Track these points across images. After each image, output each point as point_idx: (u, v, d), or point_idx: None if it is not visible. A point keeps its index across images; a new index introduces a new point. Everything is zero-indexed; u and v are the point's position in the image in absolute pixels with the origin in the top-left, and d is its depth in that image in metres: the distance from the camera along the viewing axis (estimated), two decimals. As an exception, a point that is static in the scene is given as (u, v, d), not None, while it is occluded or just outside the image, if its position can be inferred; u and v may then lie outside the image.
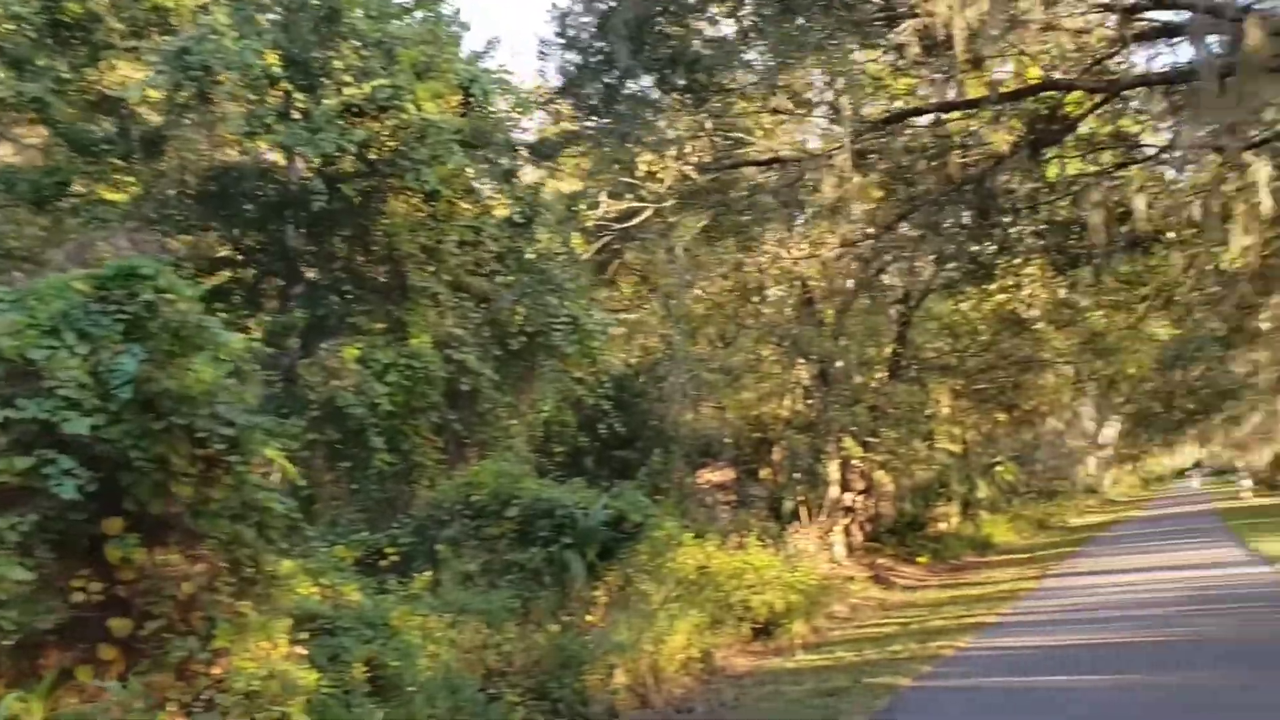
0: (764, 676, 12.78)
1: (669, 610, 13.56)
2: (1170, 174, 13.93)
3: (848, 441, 21.34)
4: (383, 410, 13.97)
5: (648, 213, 12.43)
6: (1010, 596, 18.40)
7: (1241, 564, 20.30)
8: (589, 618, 13.17)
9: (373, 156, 14.37)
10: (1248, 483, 55.57)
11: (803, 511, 21.85)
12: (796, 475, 22.47)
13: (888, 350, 25.58)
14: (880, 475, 23.98)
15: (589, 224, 12.86)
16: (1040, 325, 25.53)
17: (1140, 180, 11.99)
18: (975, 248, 13.96)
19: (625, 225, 12.77)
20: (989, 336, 26.39)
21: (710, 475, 21.88)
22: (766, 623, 15.57)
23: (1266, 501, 47.19)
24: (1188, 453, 66.75)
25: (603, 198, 13.10)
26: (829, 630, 16.41)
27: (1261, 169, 11.27)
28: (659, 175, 12.65)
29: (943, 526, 30.89)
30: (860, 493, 23.66)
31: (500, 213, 14.48)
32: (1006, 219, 12.94)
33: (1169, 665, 10.44)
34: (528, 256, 11.82)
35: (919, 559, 26.25)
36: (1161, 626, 13.07)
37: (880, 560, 24.97)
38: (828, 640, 15.37)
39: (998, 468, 34.57)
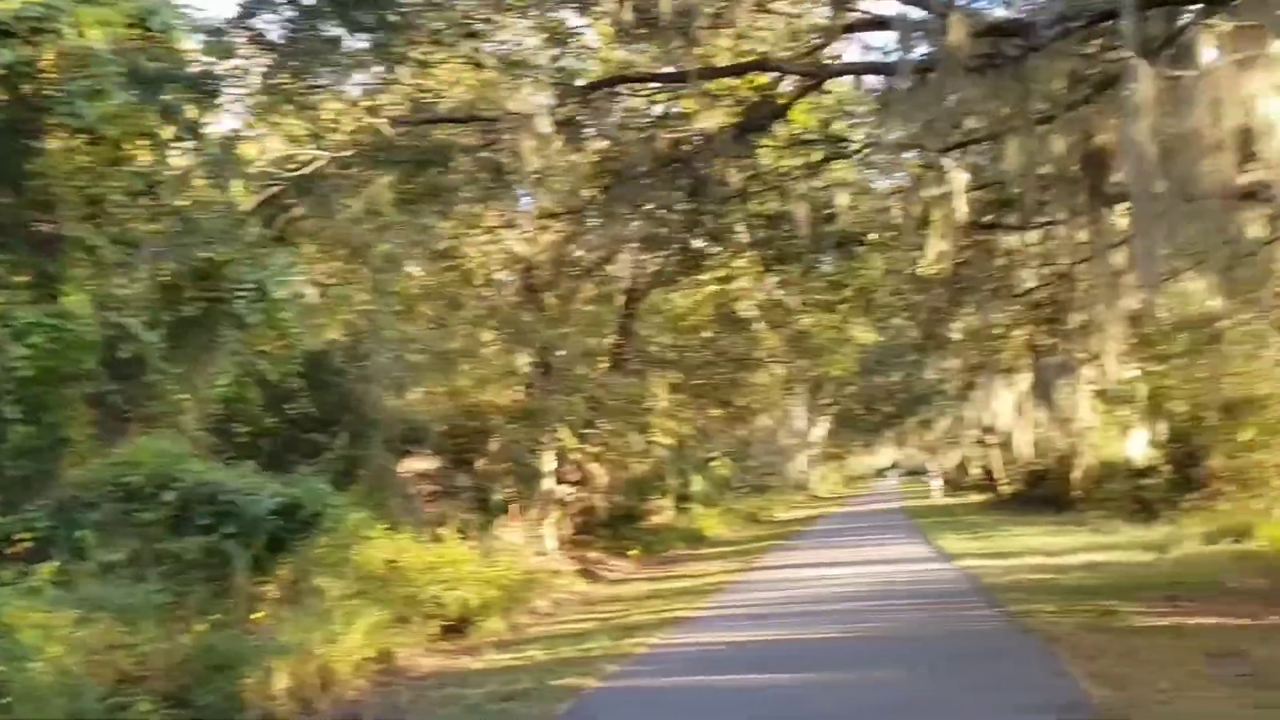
0: (448, 678, 11.96)
1: (347, 607, 12.53)
2: (874, 174, 14.25)
3: (563, 432, 20.83)
4: (22, 375, 12.12)
5: (323, 163, 11.28)
6: (713, 590, 18.42)
7: (927, 560, 21.33)
8: (254, 615, 11.99)
9: (25, 88, 12.44)
10: (937, 483, 59.99)
11: (513, 504, 21.15)
12: (509, 465, 21.75)
13: (610, 341, 25.32)
14: (595, 467, 23.64)
15: (253, 171, 11.49)
16: (758, 325, 26.02)
17: (843, 176, 12.05)
18: (686, 236, 13.70)
19: (296, 175, 11.51)
20: (710, 333, 26.66)
21: (416, 464, 20.80)
22: (459, 620, 14.77)
23: (951, 501, 51.01)
24: (886, 453, 71.28)
25: (272, 143, 11.83)
26: (528, 627, 15.79)
27: (958, 175, 11.53)
28: (341, 124, 11.53)
29: (657, 520, 31.08)
30: (574, 485, 23.23)
31: (179, 162, 12.88)
32: (717, 207, 12.72)
33: (853, 662, 10.43)
34: (178, 203, 10.38)
35: (631, 552, 26.20)
36: (850, 622, 13.24)
37: (591, 553, 24.69)
38: (524, 638, 14.72)
39: (713, 462, 35.23)
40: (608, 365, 24.50)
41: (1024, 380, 27.11)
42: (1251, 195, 8.79)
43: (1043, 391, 28.96)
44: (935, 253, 12.42)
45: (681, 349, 26.99)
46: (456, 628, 14.80)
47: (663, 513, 31.72)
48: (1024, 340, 22.08)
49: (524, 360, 22.95)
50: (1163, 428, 28.46)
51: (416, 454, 20.30)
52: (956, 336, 19.81)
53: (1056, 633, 10.94)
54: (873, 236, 14.88)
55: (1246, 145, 7.52)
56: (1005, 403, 28.76)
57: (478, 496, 21.12)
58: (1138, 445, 32.42)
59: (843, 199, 12.10)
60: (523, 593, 17.21)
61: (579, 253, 21.86)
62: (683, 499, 32.73)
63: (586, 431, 21.76)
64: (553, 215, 12.70)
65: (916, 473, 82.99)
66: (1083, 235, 11.73)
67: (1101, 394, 31.71)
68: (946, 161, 11.65)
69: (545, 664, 11.97)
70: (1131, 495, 29.15)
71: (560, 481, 22.65)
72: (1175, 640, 10.02)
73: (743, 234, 14.10)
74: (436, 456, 21.08)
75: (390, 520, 16.19)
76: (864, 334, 27.84)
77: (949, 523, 33.21)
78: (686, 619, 14.67)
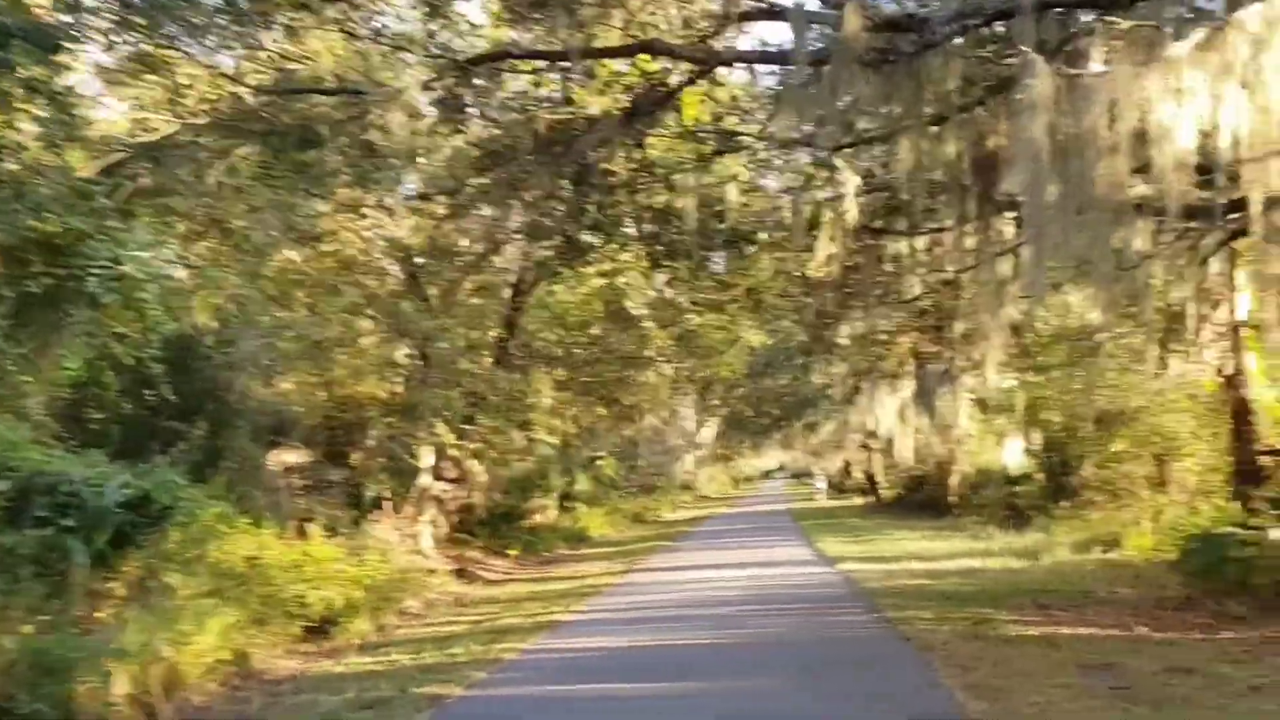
0: (306, 682, 11.32)
1: (200, 606, 11.79)
2: (765, 171, 13.98)
3: (441, 427, 20.15)
4: None
5: (176, 130, 10.47)
6: (592, 592, 18.02)
7: (809, 563, 21.30)
8: (97, 615, 11.18)
9: None
10: (822, 486, 60.87)
11: (388, 500, 20.40)
12: (384, 460, 21.01)
13: (494, 335, 24.72)
14: (474, 464, 23.01)
15: (96, 135, 10.60)
16: (647, 323, 25.69)
17: (732, 169, 11.71)
18: (570, 226, 13.21)
19: (145, 142, 10.65)
20: (598, 330, 26.25)
21: (285, 457, 19.90)
22: (323, 620, 14.08)
23: (835, 504, 51.72)
24: (773, 456, 72.02)
25: (121, 106, 10.98)
26: (396, 629, 15.17)
27: (850, 176, 11.34)
28: (198, 90, 10.71)
29: (540, 519, 30.58)
30: (452, 481, 22.56)
31: (28, 127, 11.89)
32: (602, 198, 12.25)
33: (725, 670, 10.15)
34: (11, 167, 9.51)
35: (511, 551, 25.68)
36: (727, 627, 12.99)
37: (470, 553, 24.08)
38: (391, 640, 14.11)
39: (599, 462, 34.85)
40: (491, 360, 23.89)
41: (907, 387, 27.41)
42: (1139, 207, 8.77)
43: (924, 399, 29.38)
44: (824, 255, 12.22)
45: (568, 345, 26.51)
46: (320, 629, 14.13)
47: (546, 512, 31.22)
48: (908, 347, 22.21)
49: (403, 352, 22.23)
50: (1037, 437, 29.11)
51: (286, 446, 19.44)
52: (843, 341, 19.77)
53: (932, 641, 10.83)
54: (763, 236, 14.65)
55: (1141, 150, 7.42)
56: (888, 409, 29.08)
57: (350, 492, 20.33)
58: (1013, 454, 33.19)
59: (733, 194, 11.74)
60: (393, 593, 16.56)
61: (464, 242, 21.21)
62: (567, 498, 32.26)
63: (465, 427, 21.09)
64: (423, 197, 11.95)
65: (802, 475, 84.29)
66: (970, 243, 11.66)
67: (980, 403, 32.37)
68: (838, 161, 11.47)
69: (409, 669, 11.43)
70: (1006, 502, 29.77)
71: (438, 478, 21.97)
72: (1048, 651, 9.97)
73: (629, 227, 13.68)
74: (308, 449, 20.23)
75: (254, 515, 15.42)
76: (753, 335, 27.76)
77: (831, 525, 33.48)
78: (561, 623, 14.23)
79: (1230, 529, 12.70)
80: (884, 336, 20.86)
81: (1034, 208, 7.41)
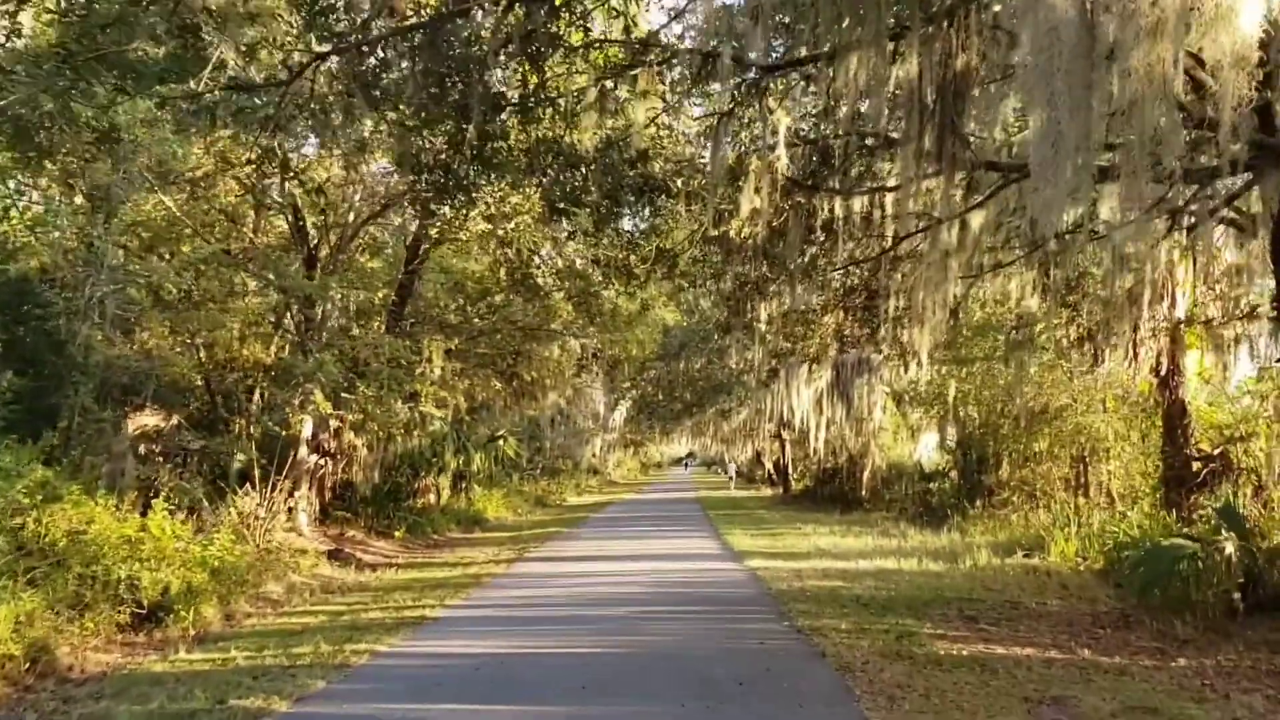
0: (114, 683, 9.52)
1: (-11, 588, 9.92)
2: (685, 102, 12.29)
3: (317, 395, 18.20)
4: None
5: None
6: (474, 582, 16.32)
7: (714, 558, 19.90)
8: None
9: None
10: (732, 475, 60.04)
11: (258, 473, 18.45)
12: (258, 429, 19.01)
13: (385, 298, 22.81)
14: (353, 437, 21.06)
15: None
16: (555, 294, 23.93)
17: (644, 85, 9.93)
18: (449, 154, 11.29)
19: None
20: (500, 298, 24.42)
21: (147, 420, 17.82)
22: (156, 607, 12.22)
23: (744, 494, 50.73)
24: (684, 442, 70.96)
25: None
26: (247, 618, 13.35)
27: (782, 118, 9.81)
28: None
29: (431, 499, 28.75)
30: (328, 455, 20.60)
31: None
32: (484, 121, 10.37)
33: (605, 689, 8.59)
34: None
35: (396, 533, 23.87)
36: (617, 632, 11.46)
37: (351, 533, 22.22)
38: (236, 632, 12.31)
39: (499, 440, 33.07)
40: (381, 325, 21.97)
41: (825, 375, 26.20)
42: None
43: (841, 388, 28.24)
44: (749, 208, 10.66)
45: (466, 313, 24.62)
46: (154, 616, 12.25)
47: (439, 491, 29.38)
48: (833, 328, 20.79)
49: (283, 312, 20.24)
50: (954, 433, 28.20)
51: (144, 408, 17.36)
52: (763, 320, 18.22)
53: (850, 659, 9.43)
54: (677, 185, 12.92)
55: (1191, 35, 5.93)
56: (805, 397, 27.87)
57: (216, 463, 18.32)
58: (928, 449, 32.37)
59: (640, 115, 9.99)
60: (249, 576, 14.72)
61: (356, 197, 19.28)
62: (461, 478, 30.40)
63: (345, 396, 19.13)
64: (238, 88, 9.82)
65: (713, 463, 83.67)
66: (912, 205, 10.19)
67: (896, 396, 31.40)
68: (772, 101, 9.90)
69: (241, 671, 9.68)
70: (919, 499, 28.87)
71: (315, 451, 20.02)
72: (985, 677, 8.61)
73: (519, 161, 11.80)
74: (170, 413, 18.15)
75: (88, 483, 13.45)
76: (667, 312, 26.12)
77: (740, 516, 32.28)
78: (430, 619, 12.54)
79: (1178, 540, 11.51)
80: (808, 315, 19.33)
81: (1049, 104, 5.80)
